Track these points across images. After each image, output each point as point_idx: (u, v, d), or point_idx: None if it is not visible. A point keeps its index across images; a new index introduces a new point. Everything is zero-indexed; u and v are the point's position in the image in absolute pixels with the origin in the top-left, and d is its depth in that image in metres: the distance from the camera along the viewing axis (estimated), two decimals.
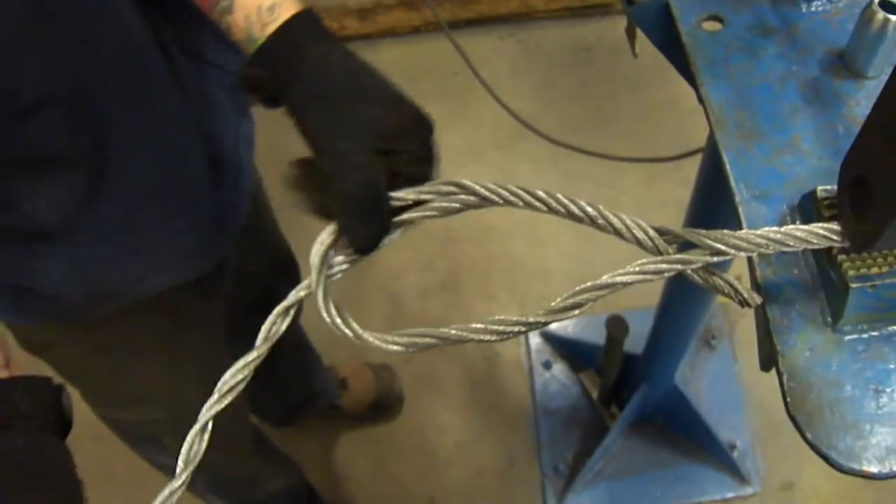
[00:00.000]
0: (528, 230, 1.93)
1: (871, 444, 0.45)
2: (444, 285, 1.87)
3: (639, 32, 0.84)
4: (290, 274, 1.31)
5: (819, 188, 0.50)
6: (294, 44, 0.59)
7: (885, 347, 0.48)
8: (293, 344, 1.46)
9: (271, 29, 0.60)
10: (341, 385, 1.62)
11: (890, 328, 0.48)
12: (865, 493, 1.57)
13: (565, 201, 0.50)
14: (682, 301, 1.21)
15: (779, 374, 0.48)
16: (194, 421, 1.10)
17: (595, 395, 1.63)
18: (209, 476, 1.22)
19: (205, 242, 0.85)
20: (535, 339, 1.76)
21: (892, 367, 0.47)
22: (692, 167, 1.04)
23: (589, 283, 0.47)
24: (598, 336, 1.54)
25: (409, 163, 0.54)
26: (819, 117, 0.59)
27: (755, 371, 1.66)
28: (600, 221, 0.49)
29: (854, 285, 0.46)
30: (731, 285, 0.47)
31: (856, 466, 0.44)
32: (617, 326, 1.31)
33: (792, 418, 0.46)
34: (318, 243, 0.53)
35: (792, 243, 0.47)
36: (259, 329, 1.30)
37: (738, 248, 0.47)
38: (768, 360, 0.51)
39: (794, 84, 0.62)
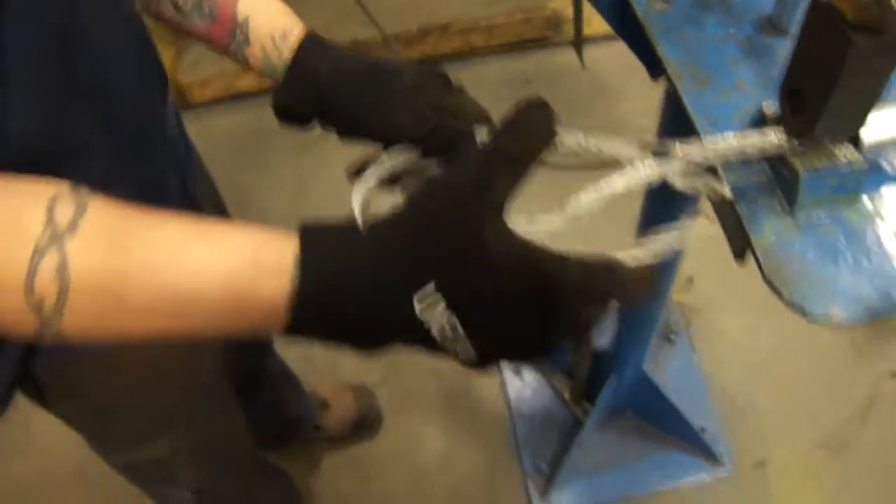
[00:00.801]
0: None
1: (837, 298, 0.54)
2: None
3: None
4: None
5: (763, 103, 0.61)
6: (309, 71, 0.69)
7: (835, 226, 0.58)
8: (275, 374, 1.52)
9: (287, 54, 0.70)
10: (322, 406, 1.67)
11: (837, 212, 0.59)
12: (832, 465, 1.67)
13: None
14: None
15: (754, 253, 0.57)
16: (216, 445, 1.14)
17: (567, 395, 1.72)
18: (207, 497, 1.24)
19: None
20: None
21: (842, 240, 0.57)
22: None
23: (590, 190, 0.56)
24: None
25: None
26: (756, 66, 0.71)
27: (714, 362, 1.79)
28: (594, 150, 0.58)
29: (803, 172, 0.56)
30: (705, 183, 0.57)
31: (827, 313, 0.54)
32: None
33: (769, 283, 0.55)
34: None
35: (749, 150, 0.57)
36: (238, 364, 1.33)
37: (705, 157, 0.57)
38: (741, 250, 0.60)
39: (734, 43, 0.74)
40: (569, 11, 2.34)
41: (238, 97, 2.35)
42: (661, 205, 1.12)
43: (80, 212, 0.43)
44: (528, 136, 0.49)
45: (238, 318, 0.45)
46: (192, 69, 2.36)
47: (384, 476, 1.70)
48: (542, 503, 1.63)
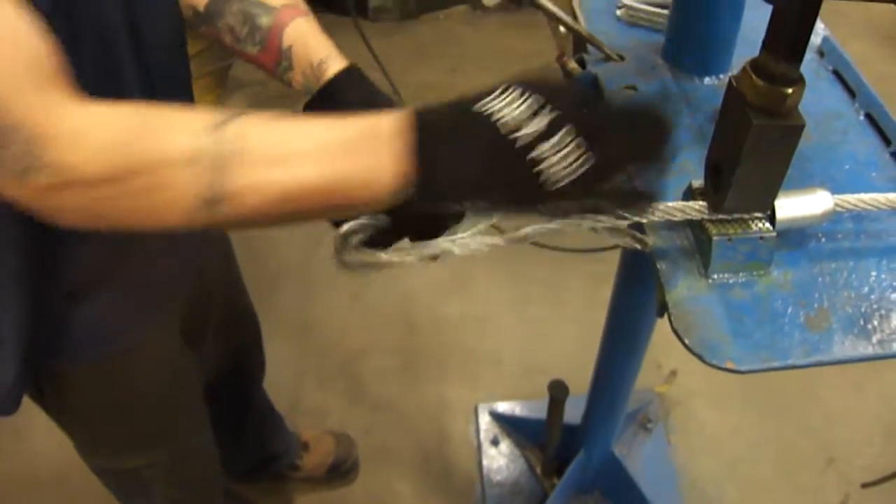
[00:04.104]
0: (481, 322, 2.11)
1: (733, 350, 0.61)
2: (402, 368, 2.01)
3: None
4: (254, 343, 1.45)
5: (693, 181, 0.69)
6: (337, 97, 0.77)
7: (742, 289, 0.65)
8: (259, 408, 1.58)
9: (324, 79, 0.78)
10: (303, 447, 1.73)
11: (746, 278, 0.66)
12: None
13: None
14: (616, 361, 1.38)
15: (667, 305, 0.64)
16: (189, 465, 1.20)
17: (539, 468, 1.75)
18: None
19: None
20: (484, 417, 1.89)
21: (747, 301, 0.65)
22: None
23: (536, 226, 0.63)
24: (540, 414, 1.69)
25: None
26: (702, 151, 0.78)
27: (688, 454, 1.82)
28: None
29: (715, 238, 0.64)
30: (630, 236, 0.65)
31: (720, 363, 0.61)
32: (558, 389, 1.46)
33: (675, 331, 0.62)
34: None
35: (672, 213, 0.66)
36: (226, 394, 1.39)
37: (634, 215, 0.65)
38: (662, 308, 0.67)
39: (687, 130, 0.83)
40: None
41: None
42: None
43: (238, 112, 0.54)
44: None
45: (365, 146, 0.54)
46: None
47: None
48: None
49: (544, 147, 0.52)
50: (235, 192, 0.53)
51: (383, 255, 0.62)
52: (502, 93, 0.53)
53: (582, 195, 0.54)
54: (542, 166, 0.52)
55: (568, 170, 0.52)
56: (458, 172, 0.53)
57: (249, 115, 0.54)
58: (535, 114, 0.52)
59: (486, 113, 0.53)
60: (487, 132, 0.52)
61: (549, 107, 0.52)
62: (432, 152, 0.53)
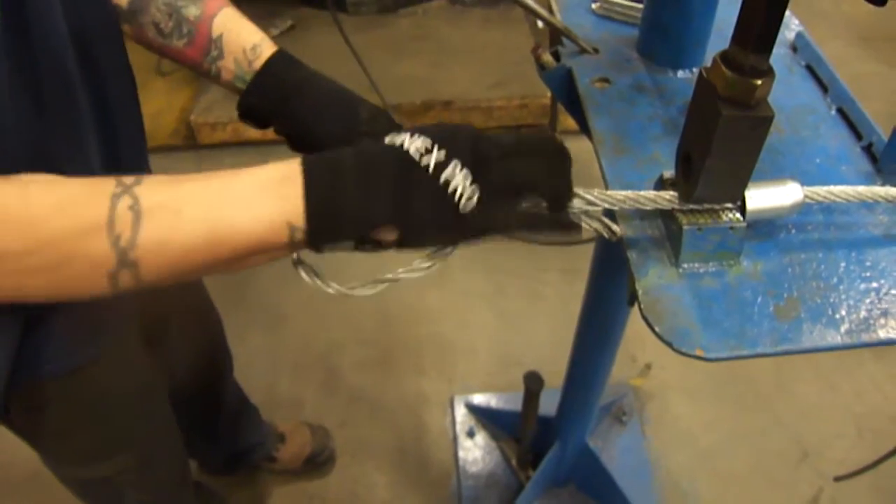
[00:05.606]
0: (458, 314, 2.11)
1: (702, 337, 0.62)
2: (379, 360, 2.01)
3: None
4: (218, 339, 1.45)
5: (664, 172, 0.69)
6: (279, 76, 0.78)
7: (712, 279, 0.66)
8: (232, 401, 1.57)
9: (257, 65, 0.79)
10: (279, 439, 1.72)
11: (720, 267, 0.67)
12: None
13: None
14: (590, 353, 1.38)
15: (636, 294, 0.65)
16: (158, 467, 1.22)
17: (514, 460, 1.76)
18: None
19: None
20: (460, 409, 1.89)
21: (717, 290, 0.65)
22: None
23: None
24: (515, 406, 1.70)
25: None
26: (674, 143, 0.78)
27: (663, 445, 1.84)
28: None
29: (686, 227, 0.65)
30: (600, 221, 0.66)
31: (689, 350, 0.61)
32: (533, 380, 1.46)
33: (645, 318, 0.63)
34: None
35: (643, 201, 0.66)
36: (195, 393, 1.39)
37: (604, 202, 0.66)
38: (633, 297, 0.68)
39: (658, 121, 0.83)
40: None
41: (244, 144, 2.47)
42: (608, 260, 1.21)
43: (140, 177, 0.55)
44: None
45: (269, 223, 0.56)
46: (205, 112, 2.49)
47: None
48: None
49: (447, 171, 0.57)
50: (139, 256, 0.53)
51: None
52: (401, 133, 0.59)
53: (495, 224, 0.60)
54: (451, 185, 0.57)
55: (470, 189, 0.57)
56: (367, 201, 0.57)
57: (146, 181, 0.55)
58: (428, 151, 0.57)
59: (397, 144, 0.58)
60: (399, 158, 0.57)
61: (436, 146, 0.58)
62: (325, 192, 0.56)
